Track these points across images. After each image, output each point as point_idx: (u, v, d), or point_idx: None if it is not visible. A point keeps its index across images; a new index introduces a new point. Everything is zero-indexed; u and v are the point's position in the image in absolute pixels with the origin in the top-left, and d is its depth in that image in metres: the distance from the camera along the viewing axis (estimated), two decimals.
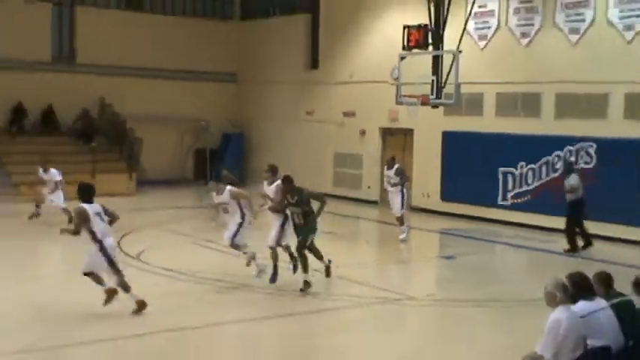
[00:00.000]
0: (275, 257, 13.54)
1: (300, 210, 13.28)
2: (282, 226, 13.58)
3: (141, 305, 11.26)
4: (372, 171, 25.78)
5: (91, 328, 10.67)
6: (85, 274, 11.30)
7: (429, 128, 23.65)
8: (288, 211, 13.49)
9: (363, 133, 26.45)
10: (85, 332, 10.42)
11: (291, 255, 13.84)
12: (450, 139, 23.45)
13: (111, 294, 11.24)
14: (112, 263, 11.17)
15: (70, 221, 13.33)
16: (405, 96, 20.31)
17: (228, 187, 13.65)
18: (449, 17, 20.28)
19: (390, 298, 13.13)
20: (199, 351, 10.06)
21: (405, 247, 18.79)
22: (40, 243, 18.04)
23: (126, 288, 11.21)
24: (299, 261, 13.38)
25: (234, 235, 13.56)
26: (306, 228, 13.32)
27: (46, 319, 11.08)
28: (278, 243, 13.60)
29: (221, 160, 31.03)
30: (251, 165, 31.07)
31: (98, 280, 11.31)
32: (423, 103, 19.96)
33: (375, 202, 25.55)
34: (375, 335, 11.22)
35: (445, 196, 23.64)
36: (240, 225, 13.58)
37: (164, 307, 11.70)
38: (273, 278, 13.42)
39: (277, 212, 13.59)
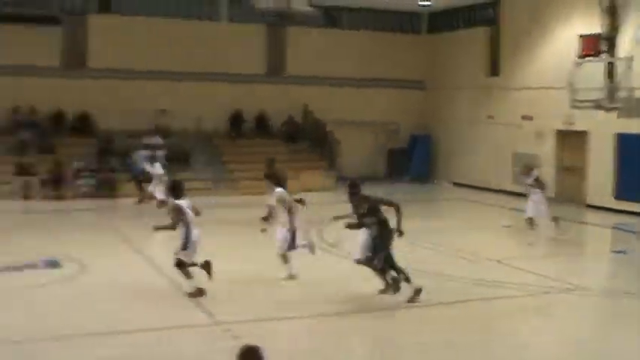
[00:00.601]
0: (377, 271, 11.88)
1: (375, 220, 11.65)
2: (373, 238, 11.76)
3: (200, 292, 11.59)
4: (547, 170, 25.66)
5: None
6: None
7: (602, 131, 23.32)
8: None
9: (539, 135, 26.33)
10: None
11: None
12: (624, 141, 22.97)
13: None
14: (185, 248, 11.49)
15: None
16: (578, 100, 20.21)
17: (278, 190, 13.00)
18: (621, 25, 19.98)
19: (563, 288, 12.98)
20: (407, 329, 10.57)
21: (575, 241, 18.52)
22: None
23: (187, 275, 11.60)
24: (398, 276, 11.69)
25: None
26: (382, 241, 11.59)
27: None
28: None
29: (409, 160, 31.80)
30: (437, 164, 31.79)
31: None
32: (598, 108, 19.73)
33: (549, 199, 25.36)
34: (550, 322, 11.24)
35: (618, 194, 23.20)
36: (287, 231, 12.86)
37: (363, 290, 12.31)
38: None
39: (354, 228, 11.97)
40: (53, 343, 9.40)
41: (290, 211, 12.75)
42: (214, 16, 30.41)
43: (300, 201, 13.89)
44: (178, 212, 11.57)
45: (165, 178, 21.73)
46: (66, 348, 9.19)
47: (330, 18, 31.58)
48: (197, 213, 11.88)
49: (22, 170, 24.51)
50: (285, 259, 12.89)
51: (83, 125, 27.92)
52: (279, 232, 12.80)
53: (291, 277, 12.84)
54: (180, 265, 11.61)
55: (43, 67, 27.15)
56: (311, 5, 27.05)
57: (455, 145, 30.79)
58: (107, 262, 14.31)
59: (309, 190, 25.81)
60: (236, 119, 29.86)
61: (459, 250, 16.11)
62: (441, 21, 32.73)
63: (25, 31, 26.79)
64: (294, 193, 24.61)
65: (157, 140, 27.18)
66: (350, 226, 11.91)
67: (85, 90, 27.50)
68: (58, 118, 27.69)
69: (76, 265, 13.87)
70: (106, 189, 25.22)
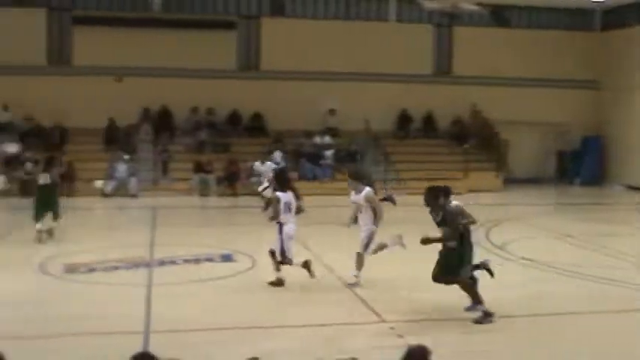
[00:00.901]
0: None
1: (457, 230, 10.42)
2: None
3: (279, 282, 12.23)
4: None
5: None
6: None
7: None
8: None
9: None
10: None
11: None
12: None
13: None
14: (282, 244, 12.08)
15: None
16: None
17: (367, 189, 12.47)
18: None
19: None
20: (563, 336, 10.21)
21: None
22: None
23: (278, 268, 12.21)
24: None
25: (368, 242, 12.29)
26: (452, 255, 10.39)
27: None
28: None
29: (581, 162, 30.77)
30: (610, 166, 30.56)
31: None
32: None
33: None
34: None
35: None
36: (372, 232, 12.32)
37: (525, 293, 12.15)
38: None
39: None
40: (224, 335, 9.82)
41: (375, 212, 12.36)
42: (383, 16, 30.70)
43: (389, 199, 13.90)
44: (277, 204, 12.13)
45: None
46: (236, 340, 9.58)
47: (498, 16, 31.08)
48: (299, 210, 12.37)
49: (200, 168, 25.78)
50: (360, 261, 12.34)
51: (257, 125, 29.03)
52: (363, 231, 12.46)
53: (355, 283, 12.29)
54: (273, 254, 12.29)
55: (220, 69, 28.40)
56: (479, 4, 26.77)
57: (630, 147, 29.48)
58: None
59: (477, 191, 25.71)
60: (403, 119, 30.02)
61: (627, 254, 15.54)
62: (615, 18, 31.43)
63: (203, 36, 28.15)
64: (462, 193, 24.68)
65: (326, 140, 27.86)
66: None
67: (259, 91, 28.52)
68: (233, 118, 28.92)
69: (248, 259, 14.46)
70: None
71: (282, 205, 12.13)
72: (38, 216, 16.21)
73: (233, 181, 25.75)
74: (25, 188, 23.85)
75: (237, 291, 12.19)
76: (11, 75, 26.85)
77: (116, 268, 13.59)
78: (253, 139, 28.40)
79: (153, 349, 5.61)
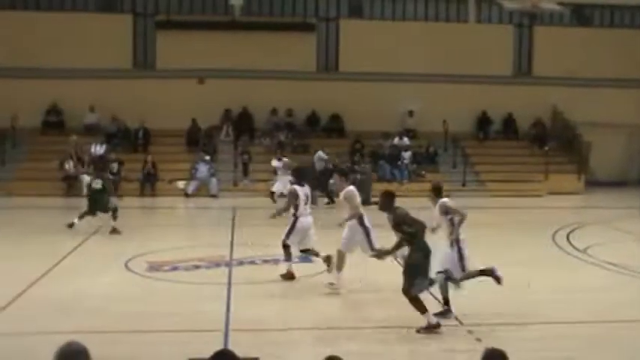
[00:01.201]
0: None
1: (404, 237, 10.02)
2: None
3: (291, 276, 12.71)
4: None
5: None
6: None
7: None
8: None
9: None
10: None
11: None
12: None
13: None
14: (288, 234, 12.56)
15: None
16: None
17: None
18: None
19: None
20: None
21: None
22: None
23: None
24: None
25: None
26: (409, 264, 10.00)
27: None
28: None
29: None
30: None
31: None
32: None
33: None
34: None
35: None
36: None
37: (606, 298, 11.89)
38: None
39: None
40: (302, 335, 9.92)
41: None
42: (462, 17, 30.45)
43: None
44: (293, 197, 12.60)
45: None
46: (314, 340, 9.66)
47: (579, 15, 30.48)
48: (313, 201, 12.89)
49: None
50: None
51: (335, 126, 29.16)
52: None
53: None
54: (285, 246, 12.75)
55: (299, 71, 28.61)
56: (560, 3, 26.31)
57: None
58: (353, 259, 14.81)
59: (558, 194, 25.27)
60: (483, 121, 29.71)
61: None
62: None
63: (282, 38, 28.44)
64: (541, 195, 24.33)
65: (404, 142, 27.78)
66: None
67: (337, 92, 28.63)
68: (312, 119, 29.12)
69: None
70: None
71: (301, 198, 12.73)
72: (87, 214, 17.50)
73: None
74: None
75: (314, 291, 12.27)
76: (98, 78, 27.68)
77: (197, 267, 13.86)
78: (332, 140, 28.54)
79: (232, 348, 5.72)
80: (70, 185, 24.82)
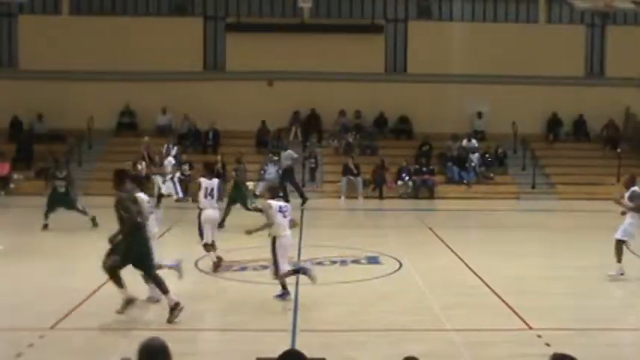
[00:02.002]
0: None
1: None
2: None
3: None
4: None
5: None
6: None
7: None
8: None
9: None
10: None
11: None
12: None
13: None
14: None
15: None
16: None
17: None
18: None
19: None
20: None
21: None
22: None
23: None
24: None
25: None
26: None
27: None
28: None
29: None
30: None
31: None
32: None
33: None
34: None
35: None
36: None
37: None
38: None
39: None
40: (369, 337, 9.91)
41: None
42: (532, 17, 30.01)
43: None
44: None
45: None
46: (381, 342, 9.66)
47: None
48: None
49: (348, 170, 26.05)
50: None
51: (403, 128, 29.09)
52: None
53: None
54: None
55: (367, 73, 28.62)
56: (634, 2, 25.71)
57: None
58: (422, 262, 14.80)
59: None
60: (553, 122, 29.24)
61: None
62: None
63: (351, 40, 28.48)
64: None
65: (473, 144, 27.54)
66: None
67: (405, 94, 28.54)
68: (380, 121, 29.10)
69: (395, 262, 14.53)
70: (424, 191, 25.98)
71: (201, 191, 13.19)
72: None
73: (380, 184, 25.89)
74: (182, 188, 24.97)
75: (382, 293, 12.28)
76: (170, 81, 28.21)
77: (266, 267, 13.95)
78: (399, 141, 28.48)
79: (299, 348, 5.78)
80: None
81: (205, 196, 13.86)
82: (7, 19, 29.57)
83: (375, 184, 25.97)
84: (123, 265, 10.25)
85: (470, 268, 13.93)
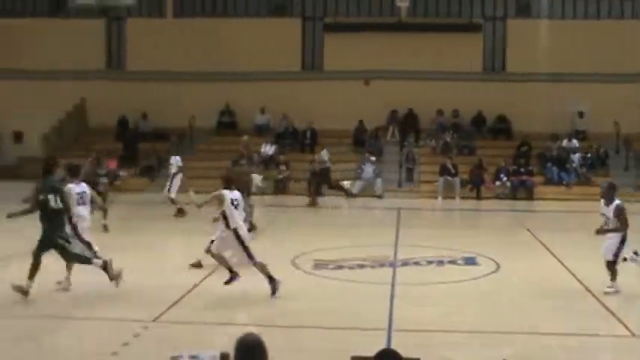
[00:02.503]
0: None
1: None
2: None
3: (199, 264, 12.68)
4: None
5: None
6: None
7: None
8: None
9: None
10: None
11: None
12: None
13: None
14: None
15: None
16: None
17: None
18: None
19: None
20: None
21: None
22: None
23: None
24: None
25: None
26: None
27: None
28: None
29: None
30: None
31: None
32: None
33: None
34: None
35: None
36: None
37: None
38: None
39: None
40: (464, 338, 9.81)
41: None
42: (637, 14, 29.06)
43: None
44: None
45: None
46: (475, 344, 9.56)
47: None
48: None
49: (446, 170, 25.82)
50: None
51: (502, 127, 28.64)
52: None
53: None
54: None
55: (464, 72, 28.32)
56: None
57: None
58: (520, 264, 14.58)
59: None
60: None
61: None
62: None
63: (448, 39, 28.24)
64: None
65: (573, 144, 26.89)
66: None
67: (504, 93, 28.09)
68: (478, 120, 28.74)
69: (492, 263, 14.35)
70: (522, 192, 25.53)
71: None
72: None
73: (478, 185, 25.58)
74: (279, 187, 25.32)
75: (479, 294, 12.15)
76: (268, 80, 28.62)
77: (362, 266, 14.05)
78: (498, 141, 28.06)
79: (395, 348, 5.79)
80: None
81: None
82: (116, 22, 30.61)
83: (472, 184, 25.67)
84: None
85: (569, 270, 13.63)
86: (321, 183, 24.49)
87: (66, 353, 8.87)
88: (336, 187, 24.79)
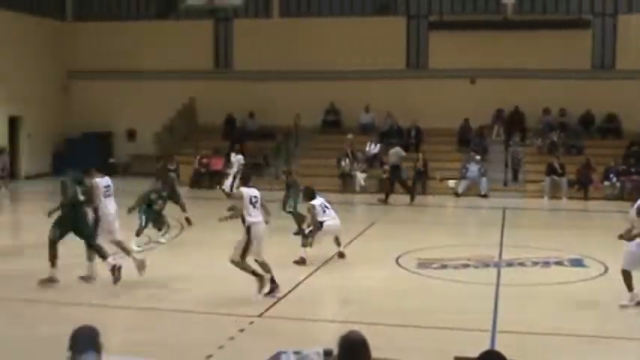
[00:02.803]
0: None
1: None
2: None
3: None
4: None
5: None
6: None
7: None
8: None
9: None
10: None
11: None
12: None
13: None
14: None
15: None
16: None
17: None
18: None
19: None
20: None
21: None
22: None
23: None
24: None
25: None
26: None
27: None
28: None
29: None
30: None
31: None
32: None
33: None
34: None
35: None
36: None
37: None
38: None
39: None
40: (568, 342, 9.61)
41: None
42: None
43: None
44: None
45: None
46: (579, 348, 9.36)
47: None
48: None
49: (552, 170, 25.24)
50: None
51: (611, 127, 27.79)
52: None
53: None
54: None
55: (572, 69, 27.62)
56: None
57: None
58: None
59: None
60: None
61: None
62: None
63: (555, 36, 27.59)
64: None
65: None
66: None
67: (614, 91, 27.24)
68: (586, 119, 27.97)
69: (600, 265, 13.98)
70: (632, 192, 24.68)
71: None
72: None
73: (585, 185, 24.92)
74: (383, 187, 25.33)
75: (585, 298, 11.85)
76: (373, 79, 28.68)
77: (466, 266, 13.94)
78: (607, 141, 27.25)
79: (499, 349, 5.76)
80: (345, 182, 25.90)
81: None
82: (223, 23, 31.27)
83: (580, 184, 25.02)
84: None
85: None
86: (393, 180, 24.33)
87: (174, 345, 9.16)
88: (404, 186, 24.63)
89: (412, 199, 23.70)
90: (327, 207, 14.15)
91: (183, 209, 18.04)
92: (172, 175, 19.16)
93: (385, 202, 23.35)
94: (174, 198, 17.77)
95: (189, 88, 30.29)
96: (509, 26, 27.96)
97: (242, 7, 28.80)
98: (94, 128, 30.64)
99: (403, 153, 25.09)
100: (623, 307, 10.92)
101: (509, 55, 27.76)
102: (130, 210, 15.01)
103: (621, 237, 11.18)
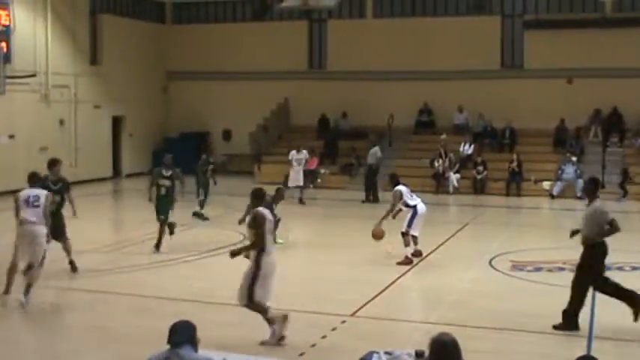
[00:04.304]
0: None
1: None
2: None
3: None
4: None
5: None
6: None
7: None
8: None
9: None
10: None
11: None
12: None
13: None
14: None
15: None
16: None
17: None
18: None
19: None
20: None
21: None
22: None
23: None
24: None
25: None
26: None
27: None
28: None
29: None
30: None
31: None
32: None
33: None
34: None
35: None
36: None
37: None
38: None
39: None
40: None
41: None
42: None
43: None
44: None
45: None
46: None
47: None
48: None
49: None
50: None
51: None
52: None
53: None
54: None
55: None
56: None
57: None
58: None
59: None
60: None
61: None
62: None
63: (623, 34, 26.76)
64: None
65: None
66: None
67: None
68: None
69: None
70: None
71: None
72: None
73: None
74: (477, 187, 25.05)
75: None
76: (467, 79, 28.38)
77: (562, 269, 13.64)
78: None
79: (595, 355, 5.64)
80: (439, 183, 25.71)
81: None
82: (317, 24, 31.52)
83: None
84: None
85: None
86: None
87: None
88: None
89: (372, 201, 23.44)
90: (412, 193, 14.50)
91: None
92: (210, 167, 19.60)
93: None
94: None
95: (284, 88, 30.65)
96: (608, 25, 27.19)
97: (336, 8, 28.95)
98: (192, 128, 31.39)
99: (380, 154, 24.66)
100: None
101: (607, 53, 27.01)
102: None
103: None
